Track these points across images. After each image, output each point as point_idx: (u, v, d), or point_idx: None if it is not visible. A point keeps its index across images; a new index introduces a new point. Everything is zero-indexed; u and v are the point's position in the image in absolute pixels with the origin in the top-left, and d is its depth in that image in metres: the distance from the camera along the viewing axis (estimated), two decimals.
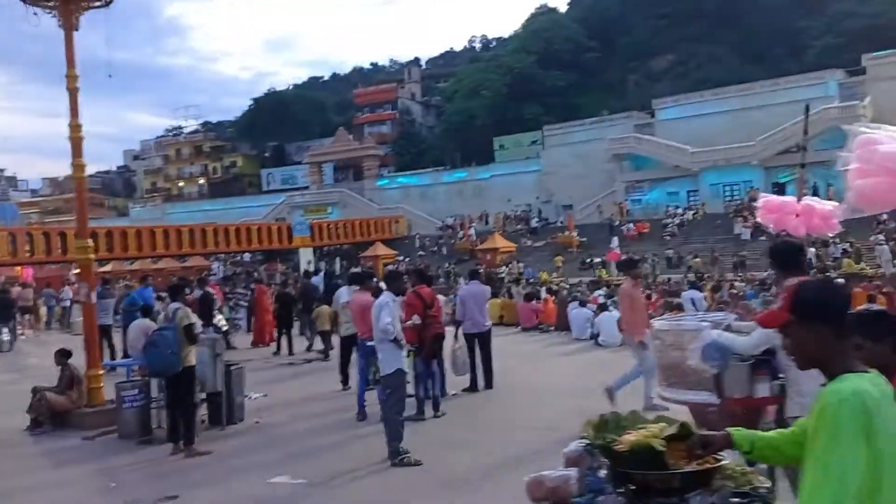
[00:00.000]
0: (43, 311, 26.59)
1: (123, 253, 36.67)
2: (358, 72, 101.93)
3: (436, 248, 47.42)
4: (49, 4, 8.81)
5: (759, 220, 8.09)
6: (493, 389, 10.33)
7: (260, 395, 10.53)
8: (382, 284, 10.93)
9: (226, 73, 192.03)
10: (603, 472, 2.55)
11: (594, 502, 2.45)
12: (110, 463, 7.62)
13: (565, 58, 63.04)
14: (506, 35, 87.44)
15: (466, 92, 65.48)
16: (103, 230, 35.86)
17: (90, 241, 9.71)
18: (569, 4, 75.70)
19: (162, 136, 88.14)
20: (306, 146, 71.48)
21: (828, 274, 27.35)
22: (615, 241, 39.20)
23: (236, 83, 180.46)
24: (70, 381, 9.38)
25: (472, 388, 10.24)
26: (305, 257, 42.81)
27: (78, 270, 34.17)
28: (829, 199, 14.37)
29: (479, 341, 10.32)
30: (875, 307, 3.89)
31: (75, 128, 9.16)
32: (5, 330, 19.46)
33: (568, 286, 21.98)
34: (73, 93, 9.01)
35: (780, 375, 4.06)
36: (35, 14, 8.54)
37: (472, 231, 47.13)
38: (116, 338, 14.75)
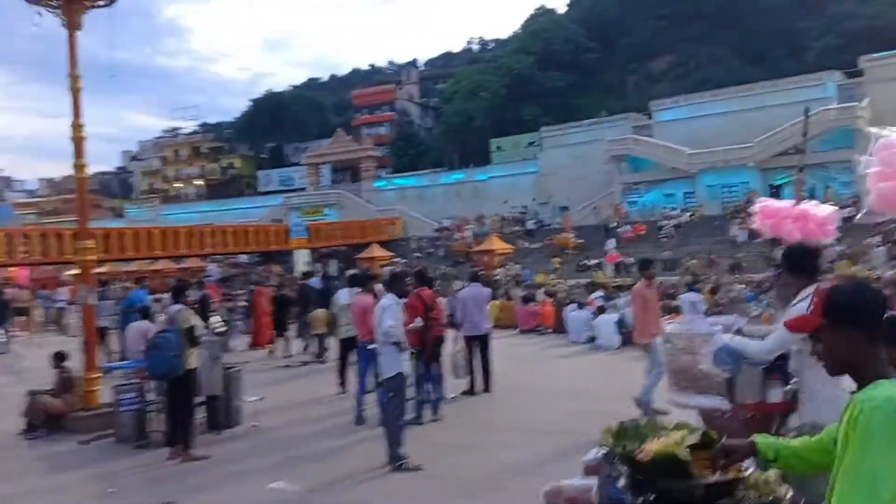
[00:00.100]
0: (38, 312, 26.42)
1: (120, 254, 36.46)
2: (356, 73, 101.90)
3: (432, 250, 47.29)
4: (53, 3, 8.71)
5: (754, 225, 7.99)
6: (491, 393, 10.24)
7: (257, 398, 10.39)
8: (378, 286, 10.90)
9: (224, 73, 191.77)
10: (622, 482, 2.45)
11: None
12: (107, 467, 7.51)
13: (564, 59, 63.01)
14: (504, 36, 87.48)
15: (465, 93, 65.41)
16: (100, 231, 35.63)
17: (91, 243, 9.55)
18: (568, 5, 75.68)
19: (160, 137, 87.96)
20: (304, 147, 71.34)
21: (826, 274, 27.44)
22: (611, 242, 39.14)
23: (234, 84, 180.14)
24: (66, 384, 9.26)
25: (471, 391, 10.15)
26: (302, 259, 42.67)
27: (74, 272, 34.03)
28: (827, 201, 14.31)
29: (479, 344, 10.23)
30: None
31: (77, 127, 9.05)
32: (0, 332, 19.33)
33: (567, 288, 21.86)
34: (75, 92, 8.90)
35: (793, 380, 3.97)
36: (38, 13, 8.42)
37: (468, 233, 47.04)
38: (113, 340, 14.68)
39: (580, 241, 41.83)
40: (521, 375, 11.54)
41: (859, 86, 45.19)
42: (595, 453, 2.55)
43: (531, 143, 57.56)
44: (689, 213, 44.00)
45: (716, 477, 2.29)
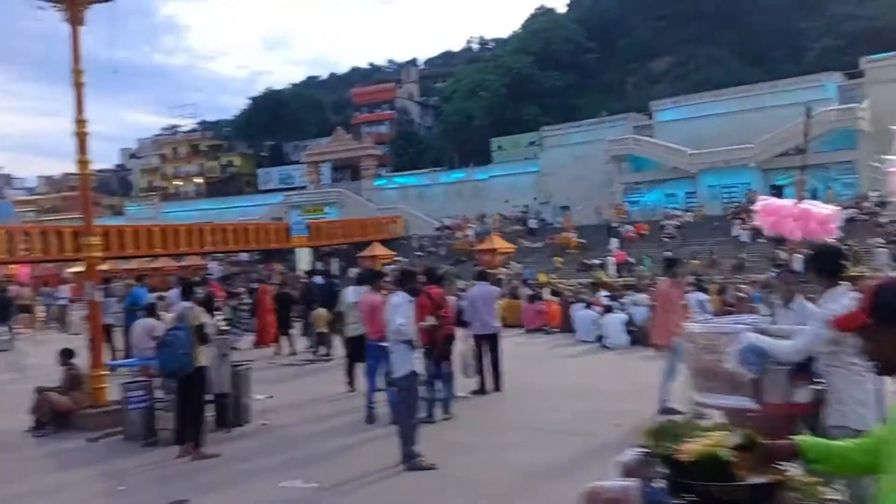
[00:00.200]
0: (40, 310, 26.38)
1: (120, 252, 36.40)
2: (356, 71, 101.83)
3: (433, 249, 47.28)
4: None
5: (756, 223, 7.97)
6: (501, 392, 10.22)
7: (265, 396, 10.39)
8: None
9: (222, 72, 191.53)
10: (660, 483, 2.43)
11: None
12: (116, 465, 7.48)
13: (564, 59, 63.01)
14: (504, 36, 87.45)
15: (465, 92, 65.39)
16: (100, 229, 35.56)
17: (96, 239, 9.52)
18: (568, 5, 75.67)
19: (159, 135, 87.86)
20: (304, 146, 71.30)
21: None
22: (615, 242, 39.19)
23: (233, 82, 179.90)
24: (73, 381, 9.23)
25: (481, 390, 10.13)
26: (303, 257, 42.66)
27: (76, 269, 33.98)
28: (828, 202, 14.28)
29: (488, 343, 10.21)
30: None
31: (80, 123, 9.00)
32: (2, 329, 19.30)
33: (573, 287, 21.84)
34: (78, 88, 8.86)
35: (819, 381, 3.95)
36: (41, 8, 8.39)
37: (470, 232, 47.05)
38: (118, 337, 14.65)
39: (581, 240, 41.88)
40: (531, 375, 11.51)
41: (860, 87, 45.22)
42: (632, 453, 2.52)
43: (532, 143, 57.58)
44: (690, 213, 44.08)
45: (759, 478, 2.27)
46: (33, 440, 8.83)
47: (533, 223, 49.85)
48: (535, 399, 9.87)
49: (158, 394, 8.71)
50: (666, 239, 40.58)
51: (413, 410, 6.88)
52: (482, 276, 10.76)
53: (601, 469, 6.34)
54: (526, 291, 19.51)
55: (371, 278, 9.29)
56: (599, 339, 14.80)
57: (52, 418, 9.06)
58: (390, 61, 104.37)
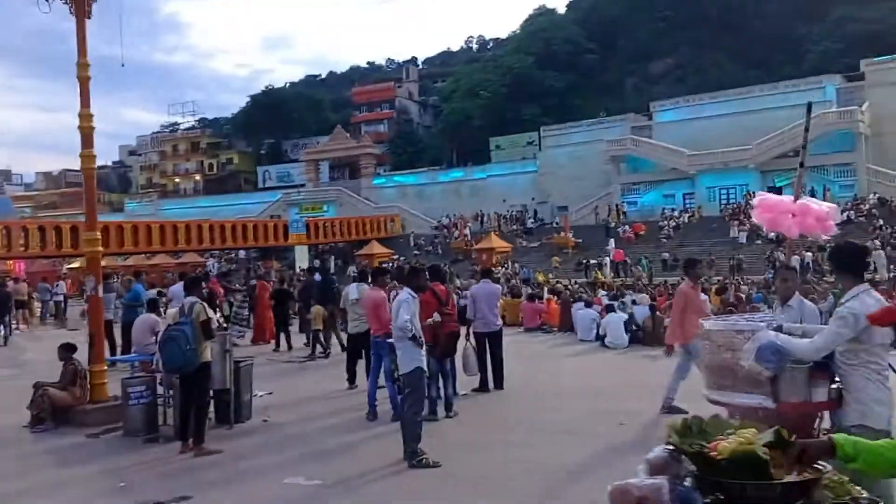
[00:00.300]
0: (37, 305, 26.29)
1: (119, 248, 36.35)
2: (355, 70, 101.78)
3: (431, 248, 47.25)
4: None
5: (753, 219, 7.89)
6: (503, 390, 10.17)
7: (265, 392, 10.32)
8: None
9: (222, 70, 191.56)
10: (688, 481, 2.36)
11: None
12: (117, 462, 7.38)
13: (564, 59, 63.04)
14: (503, 36, 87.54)
15: (464, 92, 65.40)
16: (100, 225, 35.49)
17: (98, 234, 9.44)
18: (568, 6, 75.69)
19: (158, 132, 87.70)
20: (303, 144, 71.24)
21: (825, 278, 27.41)
22: (612, 242, 39.18)
23: (232, 80, 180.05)
24: (73, 376, 9.14)
25: (483, 388, 10.08)
26: (301, 255, 42.59)
27: (73, 265, 33.91)
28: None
29: (490, 341, 10.16)
30: None
31: (85, 117, 8.90)
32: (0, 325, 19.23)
33: (574, 287, 21.81)
34: (83, 81, 8.76)
35: (837, 380, 3.90)
36: (47, 1, 8.30)
37: (467, 231, 47.02)
38: (116, 333, 14.56)
39: (578, 240, 41.88)
40: (532, 373, 11.46)
41: (859, 90, 45.28)
42: (660, 450, 2.46)
43: (530, 143, 57.60)
44: (688, 214, 44.09)
45: (794, 477, 2.21)
46: (32, 436, 8.73)
47: (530, 223, 49.87)
48: (538, 398, 9.82)
49: (159, 389, 8.66)
50: (664, 240, 40.61)
51: (418, 408, 6.82)
52: (485, 274, 10.69)
53: (611, 468, 6.34)
54: (528, 290, 19.45)
55: (375, 275, 9.22)
56: (599, 338, 14.77)
57: (50, 414, 8.96)
58: (389, 60, 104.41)
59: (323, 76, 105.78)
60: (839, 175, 42.44)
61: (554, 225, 47.47)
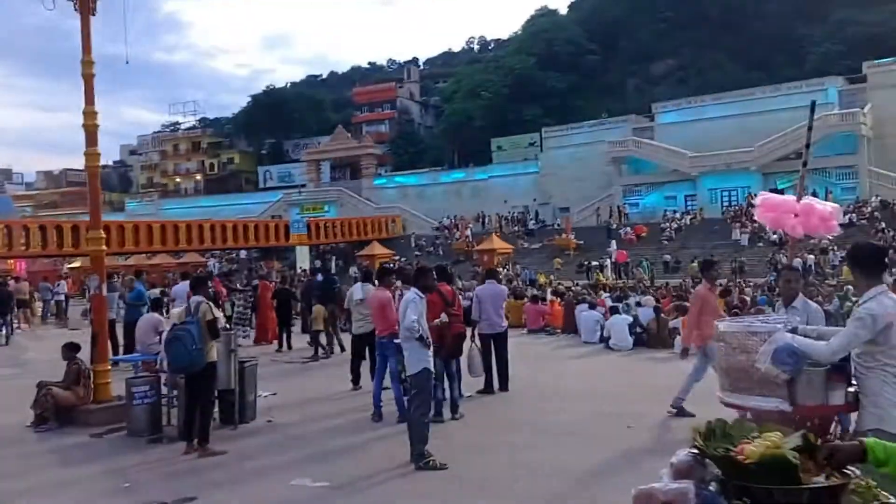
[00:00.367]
0: (38, 304, 26.26)
1: (119, 248, 36.32)
2: (356, 71, 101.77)
3: (432, 249, 47.22)
4: None
5: (756, 218, 7.84)
6: (508, 392, 10.13)
7: (269, 393, 10.28)
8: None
9: (223, 69, 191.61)
10: (713, 486, 2.33)
11: None
12: (120, 462, 7.34)
13: (565, 60, 63.03)
14: (504, 37, 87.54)
15: (465, 92, 65.40)
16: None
17: (103, 233, 9.40)
18: (569, 7, 75.72)
19: (159, 132, 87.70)
20: (304, 144, 71.23)
21: (827, 281, 27.38)
22: (614, 244, 39.13)
23: (233, 80, 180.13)
24: (77, 375, 9.10)
25: (488, 389, 10.03)
26: (302, 255, 42.57)
27: (74, 265, 33.84)
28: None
29: (495, 342, 10.12)
30: None
31: (90, 115, 8.87)
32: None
33: (577, 288, 21.76)
34: (88, 79, 8.72)
35: (853, 383, 3.86)
36: None
37: (468, 232, 46.99)
38: (118, 332, 14.51)
39: (580, 242, 41.84)
40: (537, 375, 11.41)
41: (861, 92, 45.26)
42: (684, 454, 2.42)
43: (531, 144, 57.56)
44: (690, 216, 44.06)
45: (823, 481, 2.17)
46: (35, 436, 8.69)
47: (531, 224, 49.84)
48: (543, 400, 9.77)
49: (163, 389, 8.62)
50: (665, 241, 40.57)
51: (426, 409, 6.77)
52: (491, 275, 10.64)
53: (619, 471, 6.31)
54: (533, 292, 19.40)
55: (380, 275, 9.18)
56: (603, 340, 14.73)
57: (54, 413, 8.92)
58: (391, 61, 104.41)
59: (324, 76, 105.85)
60: (841, 177, 42.42)
61: (555, 226, 47.43)
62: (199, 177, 77.47)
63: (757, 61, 55.91)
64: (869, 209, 37.63)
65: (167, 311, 13.18)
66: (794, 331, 4.06)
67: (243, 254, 49.53)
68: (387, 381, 8.88)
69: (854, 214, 35.90)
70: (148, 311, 12.23)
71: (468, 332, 9.74)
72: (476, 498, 5.89)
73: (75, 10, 8.53)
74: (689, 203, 46.95)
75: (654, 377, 11.50)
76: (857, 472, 2.26)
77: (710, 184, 46.19)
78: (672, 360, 12.92)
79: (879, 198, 38.76)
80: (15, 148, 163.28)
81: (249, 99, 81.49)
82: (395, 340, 7.99)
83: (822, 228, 7.29)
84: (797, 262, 26.16)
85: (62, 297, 26.60)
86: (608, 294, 18.89)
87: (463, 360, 9.41)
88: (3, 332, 19.28)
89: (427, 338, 6.75)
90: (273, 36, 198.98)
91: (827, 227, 7.26)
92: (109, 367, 9.49)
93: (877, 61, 44.78)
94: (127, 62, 8.97)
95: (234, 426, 8.45)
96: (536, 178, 54.65)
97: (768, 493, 2.18)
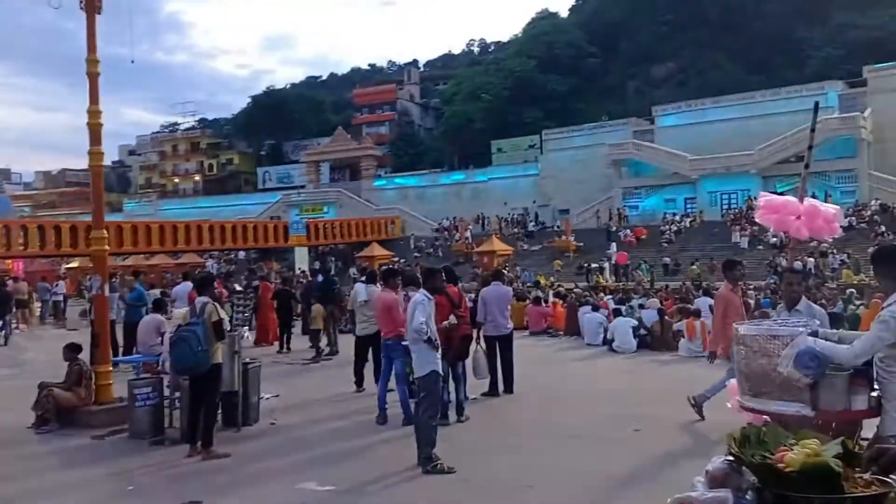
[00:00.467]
0: (36, 305, 26.16)
1: (118, 248, 36.16)
2: (356, 72, 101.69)
3: (431, 250, 47.15)
4: None
5: (757, 219, 7.77)
6: (513, 394, 10.06)
7: (271, 395, 10.18)
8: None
9: (222, 70, 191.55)
10: (750, 494, 2.26)
11: None
12: (124, 464, 7.25)
13: (566, 62, 63.01)
14: (504, 39, 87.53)
15: (465, 95, 65.37)
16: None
17: (105, 232, 9.33)
18: (570, 9, 75.76)
19: (157, 132, 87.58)
20: (303, 145, 71.17)
21: (827, 284, 27.33)
22: (614, 246, 39.10)
23: (233, 81, 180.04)
24: (79, 376, 9.01)
25: (493, 391, 9.96)
26: (301, 256, 42.46)
27: (71, 265, 33.70)
28: None
29: (501, 344, 10.05)
30: None
31: (94, 114, 8.79)
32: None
33: (579, 290, 21.70)
34: (93, 78, 8.65)
35: (875, 388, 3.80)
36: None
37: (468, 233, 46.94)
38: (118, 333, 14.42)
39: (579, 244, 41.81)
40: (541, 377, 11.35)
41: (861, 96, 45.30)
42: (720, 462, 2.35)
43: (531, 146, 57.54)
44: (689, 219, 44.06)
45: (866, 491, 2.10)
46: (36, 437, 8.60)
47: (531, 226, 49.80)
48: (548, 402, 9.71)
49: (165, 391, 8.54)
50: (665, 244, 40.54)
51: (434, 412, 6.69)
52: (496, 277, 10.56)
53: (628, 475, 6.23)
54: (536, 293, 19.34)
55: (386, 276, 9.11)
56: (607, 342, 14.66)
57: (55, 415, 8.83)
58: (390, 63, 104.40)
59: (324, 77, 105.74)
60: (841, 181, 42.43)
61: (555, 228, 47.40)
62: (197, 177, 77.35)
63: (757, 64, 55.93)
64: (869, 212, 37.65)
65: (172, 312, 13.10)
66: (814, 334, 4.00)
67: (242, 255, 49.41)
68: (391, 384, 8.80)
69: (854, 218, 35.89)
70: (148, 312, 12.16)
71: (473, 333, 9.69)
72: (487, 502, 5.82)
73: (81, 9, 8.46)
74: (688, 206, 46.95)
75: (658, 380, 11.46)
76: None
77: (710, 187, 46.20)
78: (676, 363, 12.89)
79: (879, 201, 38.77)
80: (13, 148, 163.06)
81: (249, 100, 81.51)
82: (402, 342, 7.92)
83: (825, 231, 7.26)
84: (797, 264, 26.12)
85: (60, 298, 26.49)
86: (610, 296, 18.83)
87: (467, 361, 9.34)
88: (3, 332, 19.18)
89: (435, 340, 6.68)
90: (273, 37, 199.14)
91: (830, 230, 7.23)
92: (111, 369, 9.39)
93: (877, 65, 44.83)
94: (132, 62, 8.91)
95: (237, 428, 8.38)
96: (536, 181, 54.64)
97: (809, 502, 2.11)
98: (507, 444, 7.49)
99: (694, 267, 33.82)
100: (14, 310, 21.33)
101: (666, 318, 14.45)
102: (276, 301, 16.54)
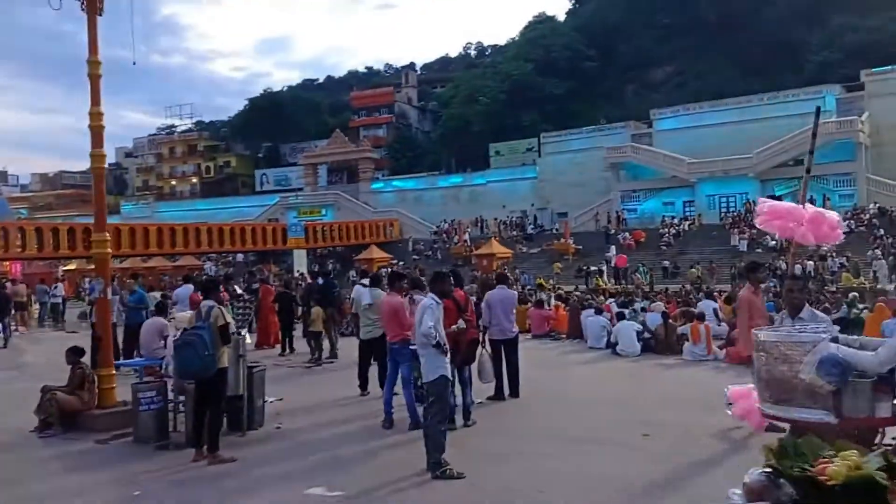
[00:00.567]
0: (35, 307, 26.05)
1: (115, 250, 36.06)
2: (353, 75, 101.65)
3: (430, 253, 47.12)
4: None
5: (759, 225, 7.70)
6: (519, 398, 10.01)
7: (276, 398, 10.13)
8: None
9: (219, 73, 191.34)
10: None
11: None
12: (128, 469, 7.18)
13: (563, 66, 63.05)
14: (501, 42, 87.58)
15: (463, 98, 65.38)
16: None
17: (107, 235, 9.27)
18: (567, 13, 75.83)
19: (154, 135, 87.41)
20: (301, 147, 71.12)
21: (826, 287, 27.35)
22: (613, 249, 39.11)
23: (229, 83, 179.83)
24: (81, 380, 8.94)
25: (498, 396, 9.91)
26: (300, 259, 42.41)
27: (68, 267, 33.60)
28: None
29: (506, 348, 10.00)
30: None
31: (95, 115, 8.73)
32: None
33: (580, 293, 21.68)
34: (94, 79, 8.59)
35: None
36: None
37: (466, 236, 46.93)
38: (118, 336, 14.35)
39: (578, 247, 41.83)
40: (546, 381, 11.29)
41: (858, 99, 45.44)
42: (758, 474, 2.31)
43: (529, 149, 57.57)
44: (688, 222, 44.12)
45: None
46: (40, 441, 8.53)
47: (530, 229, 49.81)
48: (554, 406, 9.66)
49: (169, 395, 8.47)
50: (664, 247, 40.57)
51: (443, 417, 6.64)
52: (501, 280, 10.51)
53: (637, 479, 6.18)
54: (541, 295, 19.30)
55: (392, 280, 9.06)
56: (610, 345, 14.63)
57: (58, 419, 8.76)
58: (388, 66, 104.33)
59: (321, 80, 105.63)
60: (839, 184, 42.54)
61: (554, 231, 47.42)
62: (195, 180, 77.21)
63: (755, 67, 56.02)
64: (867, 216, 37.73)
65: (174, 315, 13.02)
66: (835, 340, 3.97)
67: (240, 257, 49.33)
68: (397, 388, 8.75)
69: (852, 221, 35.94)
70: (149, 315, 12.10)
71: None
72: None
73: (82, 10, 8.41)
74: (687, 209, 47.03)
75: (663, 384, 11.42)
76: None
77: (709, 190, 46.28)
78: (681, 367, 12.86)
79: (877, 205, 38.86)
80: (10, 150, 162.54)
81: (246, 102, 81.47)
82: (411, 346, 7.87)
83: (831, 237, 7.25)
84: (797, 268, 26.13)
85: (59, 300, 26.39)
86: (613, 299, 18.80)
87: (473, 365, 9.30)
88: (2, 334, 19.09)
89: (444, 344, 6.63)
90: (270, 40, 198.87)
91: (835, 236, 7.22)
92: (114, 372, 9.32)
93: (874, 70, 44.98)
94: (134, 63, 8.87)
95: (242, 433, 8.31)
96: (534, 184, 54.69)
97: None
98: (515, 449, 7.43)
99: (694, 270, 33.84)
100: (13, 312, 21.23)
101: (670, 321, 14.42)
102: (278, 304, 16.50)
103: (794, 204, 7.68)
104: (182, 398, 8.34)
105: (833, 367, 3.62)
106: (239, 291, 19.48)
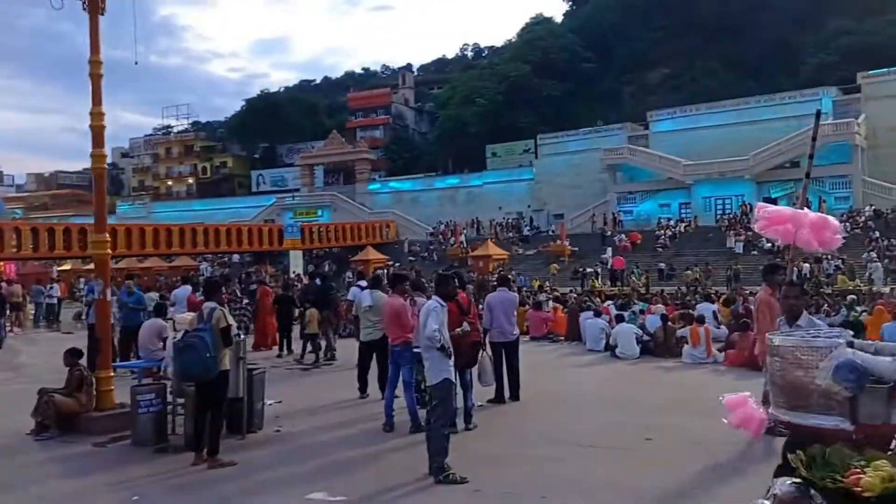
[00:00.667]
0: (30, 308, 25.90)
1: (112, 251, 35.96)
2: (350, 76, 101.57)
3: (426, 254, 47.05)
4: None
5: (760, 230, 7.60)
6: (520, 401, 9.95)
7: (275, 401, 10.05)
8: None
9: (216, 73, 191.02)
10: None
11: None
12: (127, 472, 7.10)
13: (560, 67, 63.10)
14: (498, 44, 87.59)
15: (460, 99, 65.35)
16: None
17: (107, 235, 9.18)
18: (565, 14, 75.88)
19: (151, 135, 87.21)
20: (297, 148, 70.99)
21: (822, 289, 27.34)
22: (609, 250, 39.08)
23: (226, 84, 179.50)
24: (79, 382, 8.85)
25: (499, 399, 9.84)
26: (296, 260, 42.31)
27: (63, 268, 33.47)
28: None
29: (507, 350, 9.94)
30: None
31: (97, 115, 8.65)
32: None
33: (578, 295, 21.63)
34: (95, 79, 8.51)
35: None
36: None
37: (462, 237, 46.88)
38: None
39: (574, 248, 41.80)
40: (546, 384, 11.23)
41: (855, 102, 45.55)
42: (787, 485, 2.25)
43: (526, 150, 57.59)
44: (684, 224, 44.13)
45: None
46: (37, 444, 8.43)
47: (526, 230, 49.79)
48: (556, 409, 9.61)
49: (168, 397, 8.39)
50: (660, 249, 40.56)
51: (447, 420, 6.58)
52: (502, 282, 10.45)
53: (641, 483, 6.12)
54: (541, 297, 19.25)
55: (394, 282, 8.99)
56: (609, 348, 14.57)
57: (55, 421, 8.66)
58: (384, 67, 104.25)
59: (317, 81, 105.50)
60: (835, 187, 42.62)
61: (550, 233, 47.40)
62: (191, 180, 77.02)
63: (751, 70, 56.16)
64: (863, 218, 37.78)
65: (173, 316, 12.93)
66: (850, 345, 3.91)
67: (236, 258, 49.19)
68: (398, 390, 8.68)
69: (848, 223, 35.98)
70: (147, 317, 12.01)
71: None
72: None
73: (84, 9, 8.33)
74: (683, 211, 47.07)
75: (662, 386, 11.37)
76: None
77: (705, 192, 46.34)
78: (680, 370, 12.81)
79: (873, 207, 38.93)
80: (6, 149, 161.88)
81: (243, 103, 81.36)
82: (415, 349, 7.80)
83: (832, 242, 7.21)
84: (795, 271, 26.12)
85: (55, 301, 26.25)
86: (611, 302, 18.75)
87: (473, 369, 9.23)
88: None
89: (448, 347, 6.56)
90: (267, 41, 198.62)
91: (836, 241, 7.18)
92: (113, 374, 9.23)
93: (870, 72, 45.10)
94: (136, 63, 8.77)
95: (241, 436, 8.23)
96: (531, 185, 54.68)
97: None
98: (517, 454, 7.37)
99: (690, 272, 33.83)
100: (8, 312, 21.09)
101: (669, 324, 14.37)
102: (277, 306, 16.44)
103: (794, 209, 7.63)
104: (181, 401, 8.26)
105: (850, 373, 3.56)
106: (238, 295, 19.43)
